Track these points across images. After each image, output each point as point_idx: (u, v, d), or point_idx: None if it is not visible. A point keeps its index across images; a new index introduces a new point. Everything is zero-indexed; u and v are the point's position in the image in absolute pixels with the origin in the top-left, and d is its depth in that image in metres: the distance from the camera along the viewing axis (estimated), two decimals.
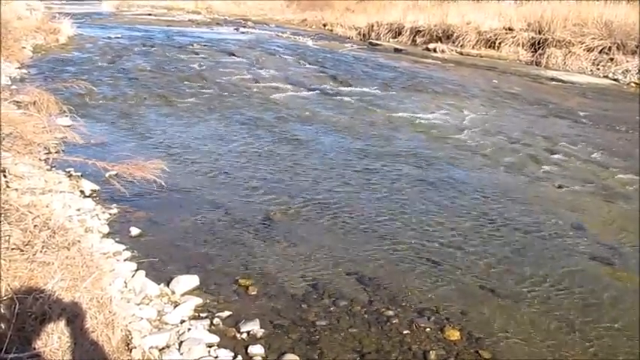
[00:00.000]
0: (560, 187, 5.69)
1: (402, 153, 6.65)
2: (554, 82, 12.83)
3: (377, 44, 20.20)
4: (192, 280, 3.51)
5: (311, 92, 10.37)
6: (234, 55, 15.32)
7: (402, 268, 3.86)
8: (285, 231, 4.36)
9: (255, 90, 10.34)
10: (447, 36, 18.60)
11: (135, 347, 2.78)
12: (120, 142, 6.60)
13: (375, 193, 5.25)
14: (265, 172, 5.76)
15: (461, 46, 17.85)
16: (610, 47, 14.26)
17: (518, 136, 7.66)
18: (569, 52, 14.94)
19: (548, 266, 3.95)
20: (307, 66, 13.97)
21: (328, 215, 4.69)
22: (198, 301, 3.32)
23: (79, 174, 5.27)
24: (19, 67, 11.35)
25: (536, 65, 15.33)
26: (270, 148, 6.60)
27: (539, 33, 16.11)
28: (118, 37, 18.64)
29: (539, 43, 15.91)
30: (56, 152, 5.67)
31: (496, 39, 17.05)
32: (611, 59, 14.15)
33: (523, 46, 16.41)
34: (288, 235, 4.28)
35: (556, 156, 6.72)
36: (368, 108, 9.18)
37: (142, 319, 3.07)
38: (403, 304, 3.40)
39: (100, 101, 8.76)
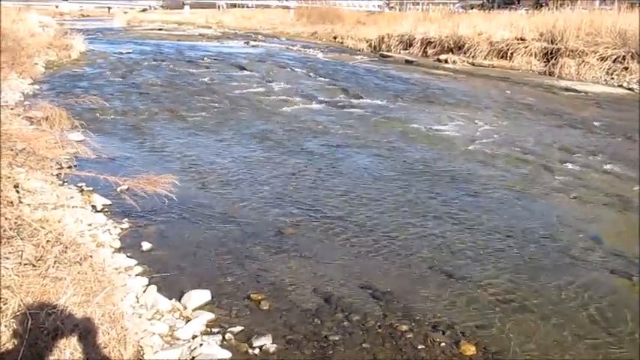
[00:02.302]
0: (575, 198, 5.64)
1: (414, 165, 6.64)
2: (567, 92, 12.76)
3: (388, 56, 20.28)
4: (203, 295, 3.51)
5: (322, 105, 10.41)
6: (244, 68, 15.45)
7: (416, 281, 3.83)
8: (297, 245, 4.35)
9: (266, 103, 10.40)
10: (458, 47, 18.63)
11: None
12: (131, 157, 6.66)
13: (387, 206, 5.24)
14: (277, 185, 5.78)
15: (472, 56, 17.85)
16: (624, 56, 14.19)
17: (531, 147, 7.61)
18: (583, 61, 14.88)
19: (565, 279, 3.90)
20: (318, 78, 14.04)
21: (341, 229, 4.67)
22: (210, 316, 3.32)
23: (91, 189, 5.32)
24: (31, 83, 11.52)
25: (550, 75, 15.28)
26: (281, 162, 6.62)
27: (552, 43, 16.08)
28: (129, 52, 18.89)
29: (551, 53, 15.88)
30: (68, 167, 5.73)
31: (508, 49, 17.04)
32: (626, 68, 14.07)
33: (535, 56, 16.38)
34: (300, 249, 4.27)
35: (571, 167, 6.66)
36: (380, 120, 9.19)
37: (153, 334, 3.07)
38: (417, 318, 3.37)
39: (112, 116, 8.86)
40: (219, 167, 6.36)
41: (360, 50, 22.45)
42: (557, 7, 18.89)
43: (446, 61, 18.15)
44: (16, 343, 2.29)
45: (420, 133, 8.32)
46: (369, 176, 6.16)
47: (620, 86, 13.52)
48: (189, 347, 3.00)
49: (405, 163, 6.71)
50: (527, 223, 4.92)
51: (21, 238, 3.09)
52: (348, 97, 11.38)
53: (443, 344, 3.12)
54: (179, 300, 3.47)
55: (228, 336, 3.13)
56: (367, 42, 23.22)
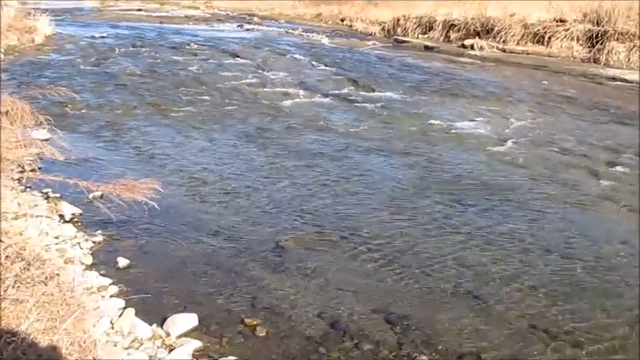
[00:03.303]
0: (625, 207, 5.62)
1: (435, 169, 6.64)
2: (615, 83, 12.74)
3: (404, 41, 20.31)
4: (190, 320, 3.51)
5: (327, 99, 10.45)
6: (237, 56, 15.50)
7: (438, 305, 3.82)
8: (298, 261, 4.35)
9: (262, 96, 10.44)
10: (486, 30, 18.63)
11: None
12: (105, 158, 6.67)
13: (404, 218, 5.24)
14: (275, 192, 5.78)
15: (503, 41, 17.85)
16: None
17: (573, 147, 7.59)
18: (634, 46, 14.84)
19: (614, 303, 3.88)
20: (323, 68, 14.08)
21: (350, 243, 4.67)
22: (198, 344, 3.31)
23: (58, 195, 5.33)
24: None
25: (594, 62, 15.26)
26: (280, 165, 6.64)
27: (598, 25, 16.05)
28: (103, 37, 18.96)
29: (597, 37, 15.85)
30: (32, 170, 5.73)
31: (545, 33, 17.02)
32: None
33: (578, 41, 16.36)
34: (302, 267, 4.27)
35: (620, 170, 6.64)
36: (395, 116, 9.22)
37: None
38: (439, 347, 3.36)
39: (83, 111, 8.88)
40: (209, 171, 6.37)
41: (371, 35, 22.49)
42: None
43: (472, 47, 18.16)
44: None
45: (441, 132, 8.33)
46: (382, 182, 6.16)
47: None
48: None
49: (424, 167, 6.71)
50: (569, 238, 4.90)
51: None
52: (357, 89, 11.42)
53: None
54: (161, 325, 3.46)
55: None
56: (380, 25, 23.27)
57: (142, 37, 19.56)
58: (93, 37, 18.78)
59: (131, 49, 16.30)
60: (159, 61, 14.34)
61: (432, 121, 8.85)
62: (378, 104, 10.01)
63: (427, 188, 5.99)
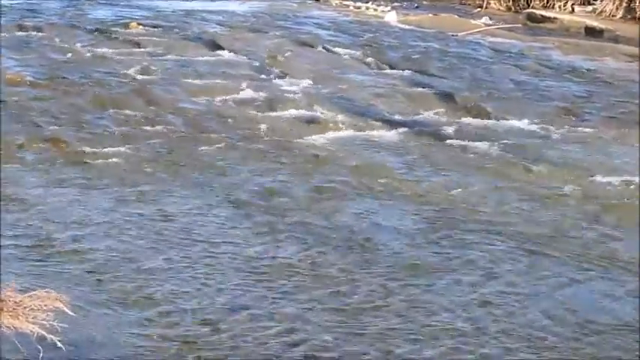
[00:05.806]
0: None
1: (600, 275, 6.51)
2: None
3: (544, 19, 20.45)
4: None
5: (396, 132, 10.54)
6: (219, 47, 15.79)
7: None
8: None
9: (267, 126, 10.58)
10: None
11: None
12: None
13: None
14: (284, 310, 5.77)
15: None
16: None
17: None
18: None
19: None
20: (386, 71, 14.30)
21: None
22: None
23: None
24: None
25: None
26: (304, 266, 6.63)
27: None
28: None
29: None
30: None
31: None
32: None
33: None
34: None
35: None
36: (526, 165, 9.24)
37: None
38: None
39: None
40: (163, 275, 6.34)
41: (481, 7, 22.77)
42: None
43: None
44: None
45: (617, 197, 8.28)
46: (479, 295, 6.11)
47: None
48: None
49: (576, 271, 6.57)
50: None
51: None
52: (456, 113, 11.58)
53: None
54: None
55: None
56: None
57: (39, 11, 19.97)
58: None
59: (17, 34, 16.66)
60: (69, 56, 14.67)
61: (600, 175, 8.85)
62: (496, 142, 10.04)
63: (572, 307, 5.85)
